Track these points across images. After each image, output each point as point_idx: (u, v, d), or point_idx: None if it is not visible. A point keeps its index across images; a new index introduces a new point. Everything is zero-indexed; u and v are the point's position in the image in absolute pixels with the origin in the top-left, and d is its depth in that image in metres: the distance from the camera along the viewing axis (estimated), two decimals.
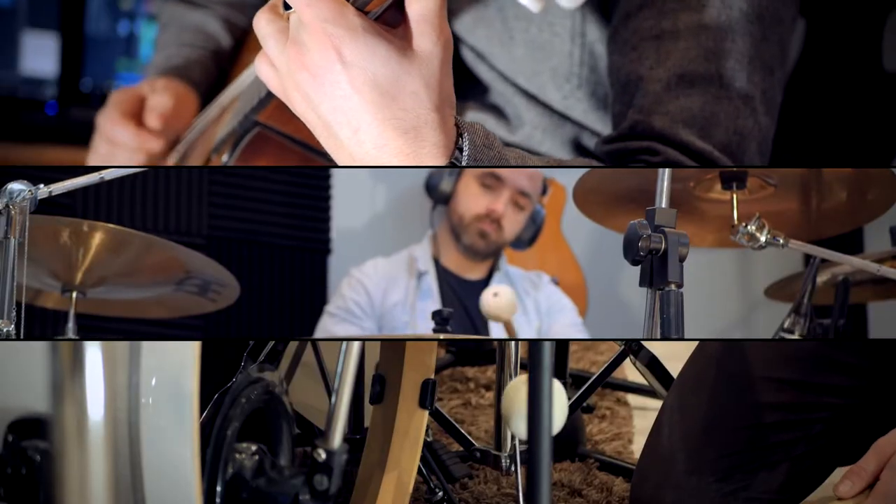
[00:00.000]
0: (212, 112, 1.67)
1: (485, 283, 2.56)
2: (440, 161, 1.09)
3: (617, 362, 1.92)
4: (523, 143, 1.56)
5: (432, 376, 1.52)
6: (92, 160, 1.74)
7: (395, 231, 3.14)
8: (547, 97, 1.53)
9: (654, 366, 1.85)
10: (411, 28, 1.06)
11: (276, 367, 1.47)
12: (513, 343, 1.73)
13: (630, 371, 2.24)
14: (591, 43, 1.47)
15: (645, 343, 1.88)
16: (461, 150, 1.10)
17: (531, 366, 0.98)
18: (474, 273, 2.59)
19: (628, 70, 1.38)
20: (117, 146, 1.69)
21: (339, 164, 1.11)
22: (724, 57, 1.34)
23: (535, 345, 0.98)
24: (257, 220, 2.95)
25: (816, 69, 2.07)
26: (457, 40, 1.56)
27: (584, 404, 2.10)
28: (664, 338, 1.20)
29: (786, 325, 1.65)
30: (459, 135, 1.11)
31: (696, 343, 1.52)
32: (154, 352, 1.04)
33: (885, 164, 2.04)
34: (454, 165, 1.10)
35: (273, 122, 1.45)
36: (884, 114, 2.07)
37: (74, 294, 1.65)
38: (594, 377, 1.93)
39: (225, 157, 1.59)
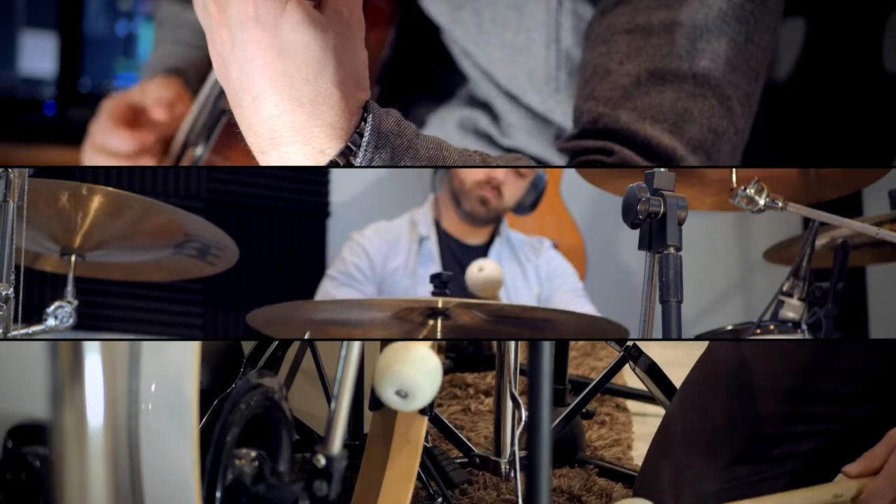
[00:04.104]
0: (194, 107, 1.66)
1: (486, 248, 2.56)
2: (333, 143, 1.06)
3: (616, 368, 1.92)
4: (515, 148, 1.54)
5: None
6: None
7: (396, 194, 3.12)
8: (527, 99, 1.51)
9: (653, 372, 1.85)
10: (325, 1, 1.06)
11: (275, 373, 1.47)
12: (512, 348, 1.73)
13: (629, 377, 2.23)
14: (567, 48, 1.45)
15: (644, 348, 1.87)
16: (361, 135, 1.07)
17: (530, 369, 0.98)
18: (475, 238, 2.58)
19: (595, 63, 1.35)
20: (112, 155, 1.67)
21: (245, 137, 1.08)
22: (699, 56, 1.32)
23: (534, 348, 0.98)
24: (256, 183, 2.94)
25: (816, 69, 2.07)
26: (443, 31, 1.55)
27: (584, 410, 2.09)
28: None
29: (784, 288, 1.64)
30: (364, 119, 1.08)
31: (700, 349, 1.52)
32: (154, 356, 1.03)
33: (885, 165, 2.04)
34: (349, 150, 1.07)
35: None
36: (884, 114, 2.07)
37: (73, 257, 1.64)
38: (594, 383, 1.93)
39: (199, 150, 1.57)
